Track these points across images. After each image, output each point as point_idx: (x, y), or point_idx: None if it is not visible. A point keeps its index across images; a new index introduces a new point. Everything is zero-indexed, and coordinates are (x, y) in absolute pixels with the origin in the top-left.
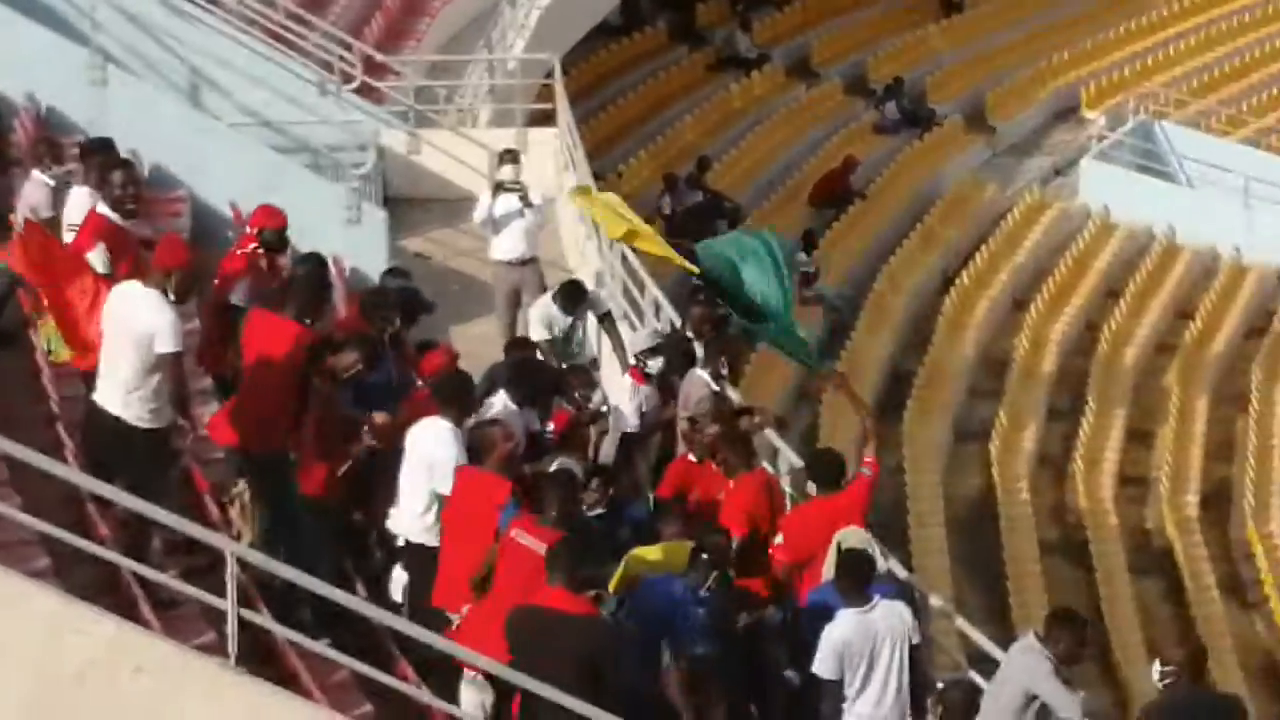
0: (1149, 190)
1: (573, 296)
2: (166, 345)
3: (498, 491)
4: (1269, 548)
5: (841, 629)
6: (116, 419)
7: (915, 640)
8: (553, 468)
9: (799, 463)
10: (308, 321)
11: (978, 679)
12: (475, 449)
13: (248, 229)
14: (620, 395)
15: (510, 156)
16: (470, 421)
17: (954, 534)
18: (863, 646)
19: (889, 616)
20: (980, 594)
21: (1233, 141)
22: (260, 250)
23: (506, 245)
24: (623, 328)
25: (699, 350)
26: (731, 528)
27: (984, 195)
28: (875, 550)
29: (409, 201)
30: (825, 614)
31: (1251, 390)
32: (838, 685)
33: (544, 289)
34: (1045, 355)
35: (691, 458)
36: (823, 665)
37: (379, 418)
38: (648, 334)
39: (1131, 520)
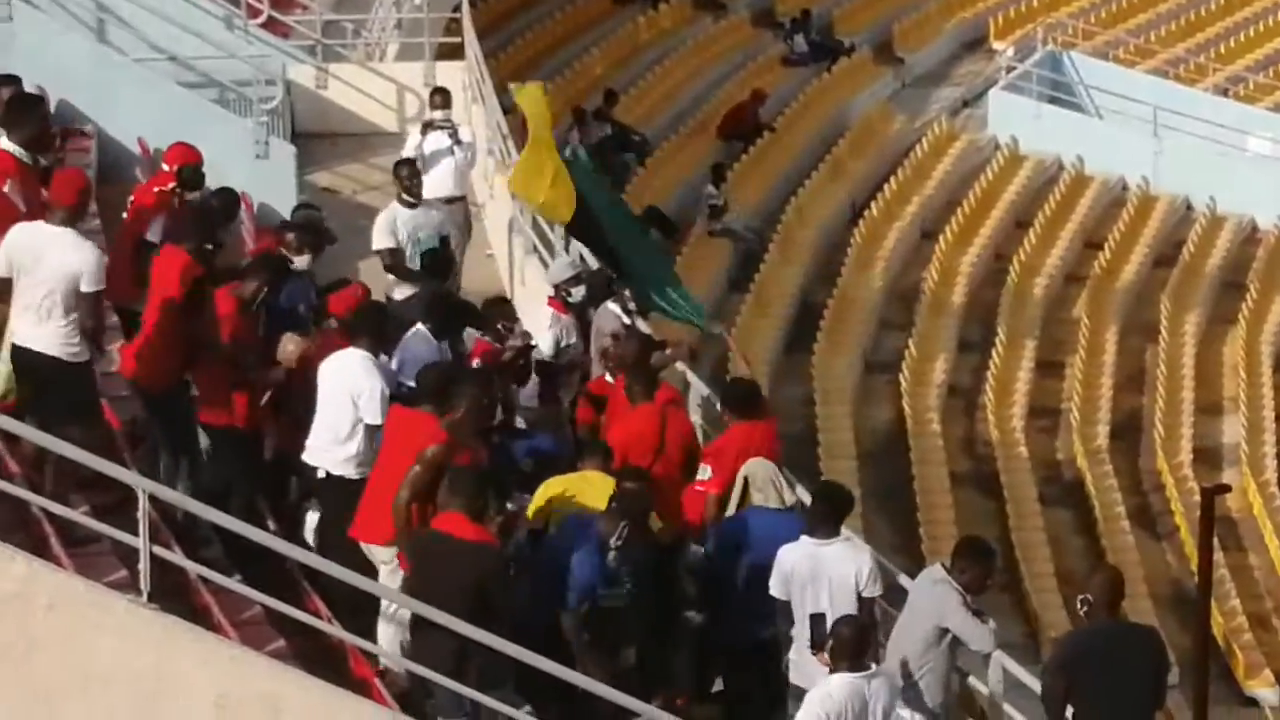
0: (1057, 121)
1: (412, 188)
2: (93, 284)
3: (428, 440)
4: (1179, 478)
5: (791, 556)
6: (47, 356)
7: (869, 592)
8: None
9: (708, 393)
10: (206, 249)
11: (886, 608)
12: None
13: (164, 166)
14: (538, 325)
15: (441, 96)
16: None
17: (865, 466)
18: (808, 578)
19: (843, 560)
20: (891, 525)
21: (1141, 71)
22: (178, 188)
23: (435, 183)
24: (533, 261)
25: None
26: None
27: (892, 127)
28: (782, 481)
29: (317, 136)
30: (739, 543)
31: (1161, 320)
32: (787, 605)
33: (470, 228)
34: (955, 287)
35: (607, 377)
36: (774, 586)
37: (291, 341)
38: (566, 263)
39: (1042, 451)
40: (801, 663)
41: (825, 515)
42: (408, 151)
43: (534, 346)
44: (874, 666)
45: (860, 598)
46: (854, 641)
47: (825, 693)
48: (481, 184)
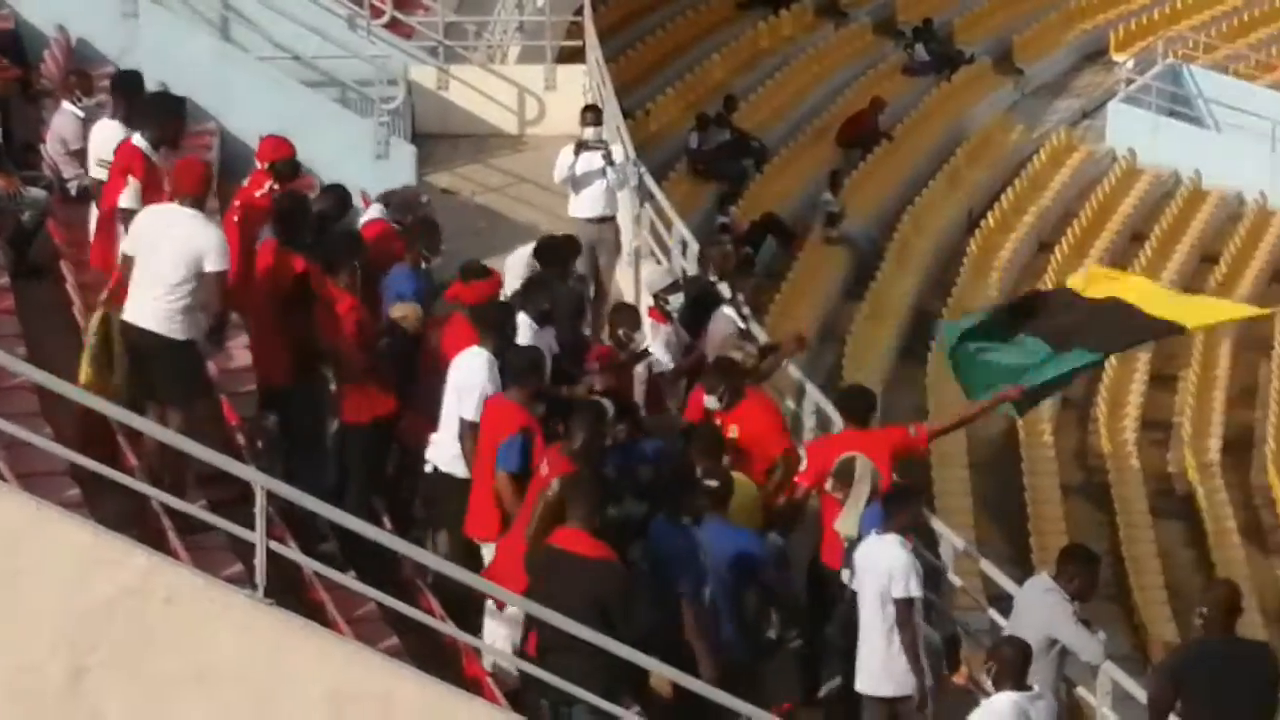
0: (1176, 134)
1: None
2: (217, 264)
3: (508, 425)
4: None
5: (858, 549)
6: (150, 333)
7: (898, 593)
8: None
9: (823, 401)
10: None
11: (997, 618)
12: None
13: (258, 164)
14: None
15: (593, 114)
16: None
17: (977, 475)
18: (859, 570)
19: (879, 556)
20: (1002, 536)
21: (1261, 86)
22: (277, 185)
23: (586, 203)
24: (647, 266)
25: (724, 290)
26: (774, 446)
27: (1010, 137)
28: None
29: (438, 137)
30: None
31: (1275, 335)
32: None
33: (619, 247)
34: None
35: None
36: (848, 576)
37: (399, 309)
38: (663, 272)
39: (1153, 464)
40: (869, 667)
41: (885, 508)
42: (559, 172)
43: (648, 354)
44: (1036, 688)
45: (893, 600)
46: (1016, 661)
47: (992, 711)
48: None
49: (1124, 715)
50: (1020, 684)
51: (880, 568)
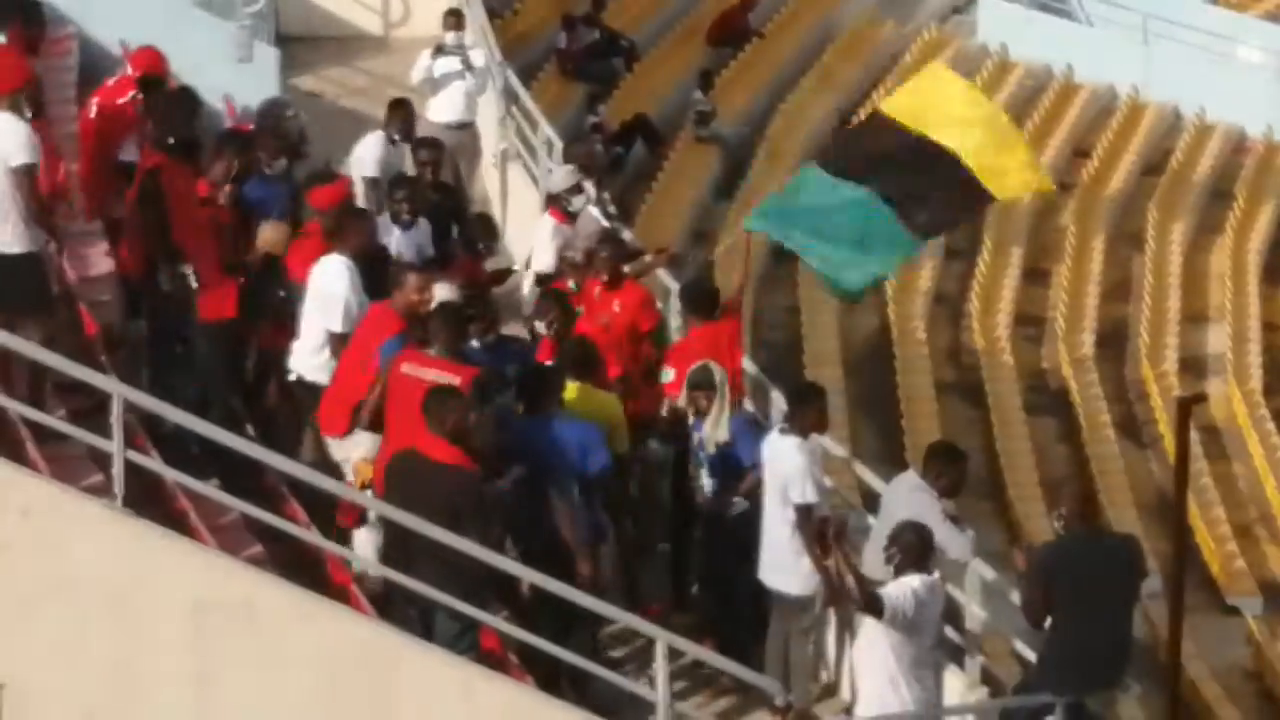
0: (1048, 28)
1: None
2: (20, 158)
3: (387, 326)
4: (1164, 388)
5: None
6: None
7: (796, 497)
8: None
9: None
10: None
11: (870, 519)
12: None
13: (128, 70)
14: (540, 234)
15: (455, 18)
16: None
17: (849, 374)
18: (765, 465)
19: (783, 457)
20: (875, 434)
21: None
22: (141, 97)
23: (444, 108)
24: (517, 168)
25: (591, 190)
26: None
27: (881, 33)
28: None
29: (302, 40)
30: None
31: (1148, 229)
32: None
33: (479, 154)
34: None
35: (570, 284)
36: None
37: (269, 228)
38: (567, 172)
39: (1027, 360)
40: (772, 561)
41: (790, 408)
42: (416, 74)
43: (512, 271)
44: (937, 573)
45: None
46: (918, 547)
47: (913, 589)
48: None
49: (993, 612)
50: (923, 569)
51: (778, 469)
